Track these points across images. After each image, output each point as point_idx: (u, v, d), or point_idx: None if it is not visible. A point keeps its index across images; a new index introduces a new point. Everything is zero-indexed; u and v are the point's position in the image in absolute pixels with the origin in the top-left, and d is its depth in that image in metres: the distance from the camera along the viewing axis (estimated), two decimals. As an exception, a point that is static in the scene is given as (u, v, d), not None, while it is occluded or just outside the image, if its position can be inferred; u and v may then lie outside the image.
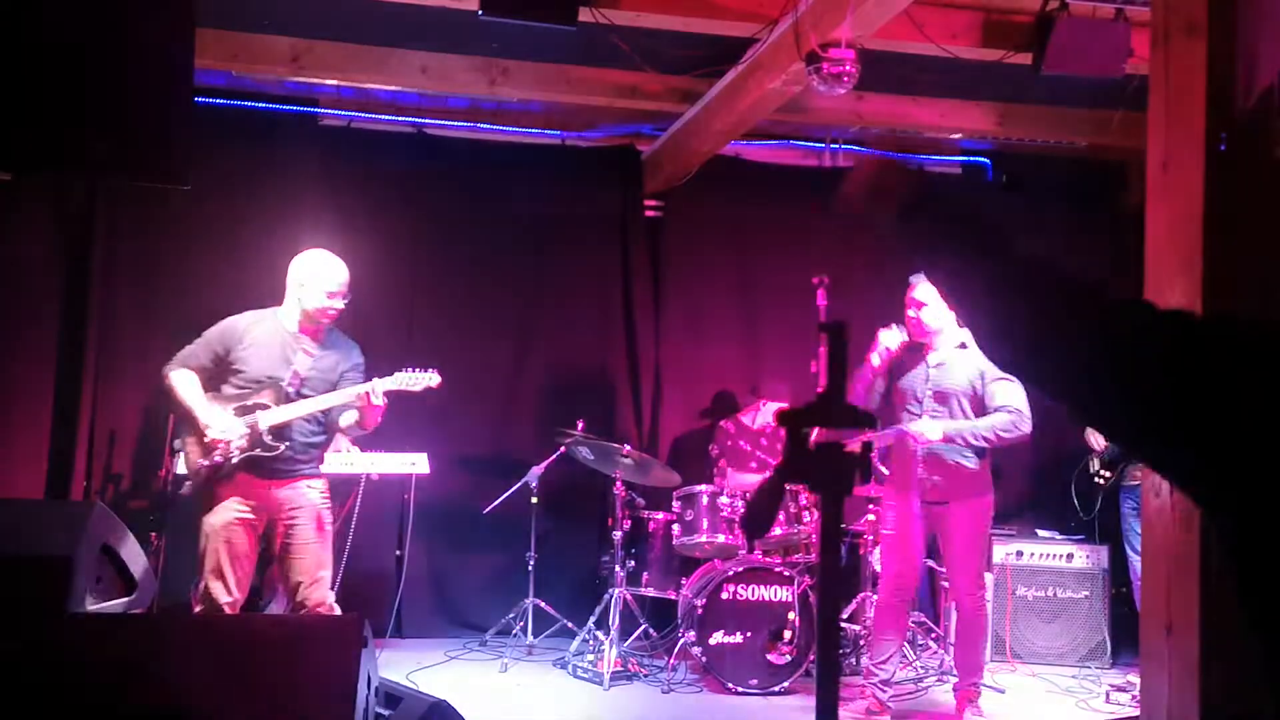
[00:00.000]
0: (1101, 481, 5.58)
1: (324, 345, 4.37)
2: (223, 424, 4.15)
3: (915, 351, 4.60)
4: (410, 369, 4.42)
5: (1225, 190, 2.48)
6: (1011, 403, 4.40)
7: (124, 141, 3.35)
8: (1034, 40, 4.46)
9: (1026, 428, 4.42)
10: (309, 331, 4.33)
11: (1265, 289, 2.52)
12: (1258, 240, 2.50)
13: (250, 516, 4.23)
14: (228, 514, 4.20)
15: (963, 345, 4.53)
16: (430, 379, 4.44)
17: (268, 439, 4.21)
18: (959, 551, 4.57)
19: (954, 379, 4.51)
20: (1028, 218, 6.78)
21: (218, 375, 4.24)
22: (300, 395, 4.27)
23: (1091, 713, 4.99)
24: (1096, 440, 5.63)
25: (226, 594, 4.20)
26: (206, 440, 4.15)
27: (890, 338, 4.53)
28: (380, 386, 4.27)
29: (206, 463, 4.16)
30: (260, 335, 4.26)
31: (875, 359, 4.56)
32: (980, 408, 4.48)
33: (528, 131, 6.41)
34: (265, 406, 4.24)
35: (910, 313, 4.54)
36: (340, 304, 4.33)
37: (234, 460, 4.17)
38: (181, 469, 4.99)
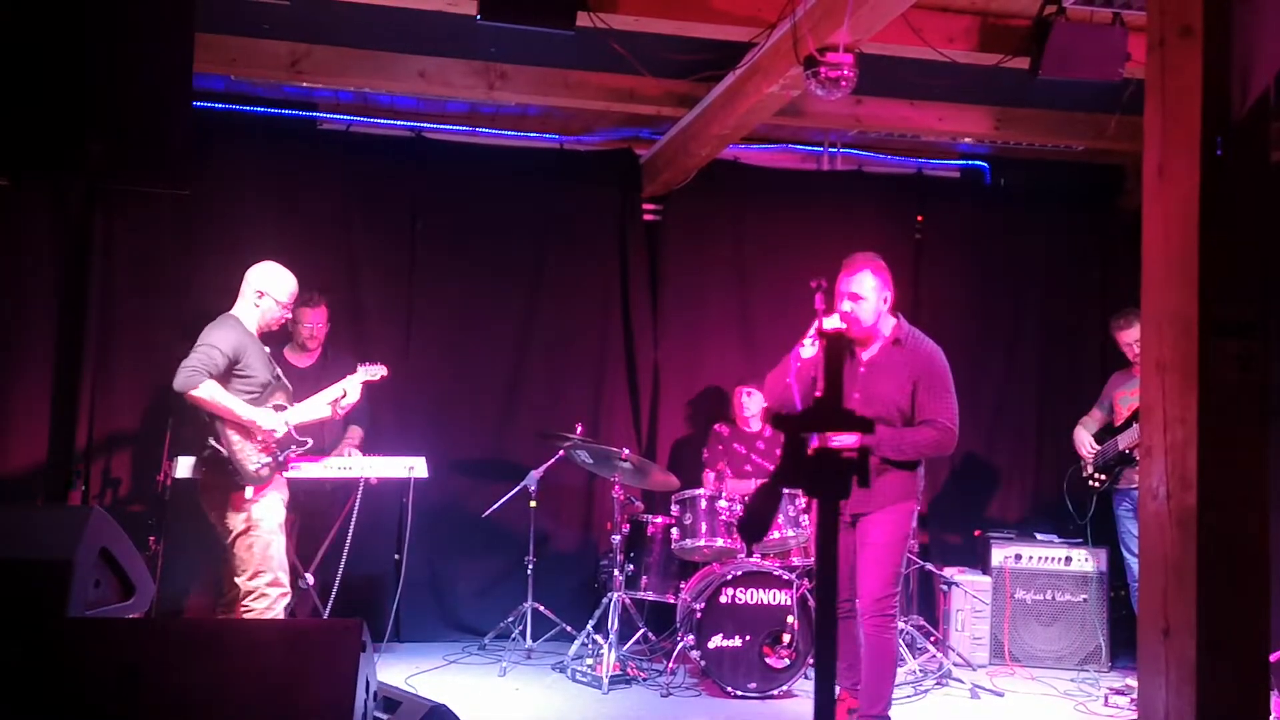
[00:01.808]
0: (1096, 485, 5.58)
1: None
2: (272, 424, 4.42)
3: (844, 348, 4.09)
4: (364, 364, 4.94)
5: (1221, 194, 2.48)
6: (941, 419, 4.01)
7: (123, 146, 3.36)
8: (1031, 45, 4.47)
9: (950, 448, 4.09)
10: (261, 338, 4.62)
11: (1261, 293, 2.53)
12: (1254, 244, 2.51)
13: (286, 511, 4.51)
14: (280, 511, 4.45)
15: (897, 341, 4.10)
16: (380, 370, 4.98)
17: (297, 436, 4.52)
18: (868, 560, 4.04)
19: (885, 382, 4.06)
20: (1026, 221, 6.83)
21: (220, 381, 4.38)
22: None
23: (1090, 716, 4.99)
24: (1085, 446, 5.62)
25: (288, 576, 4.43)
26: (260, 441, 4.37)
27: (832, 323, 3.99)
28: (360, 380, 4.84)
29: (267, 462, 4.38)
30: (251, 342, 4.49)
31: (809, 348, 4.01)
32: (910, 414, 4.06)
33: (526, 135, 6.42)
34: (283, 407, 4.51)
35: (845, 306, 4.08)
36: (289, 315, 4.69)
37: (280, 458, 4.44)
38: (182, 473, 5.01)
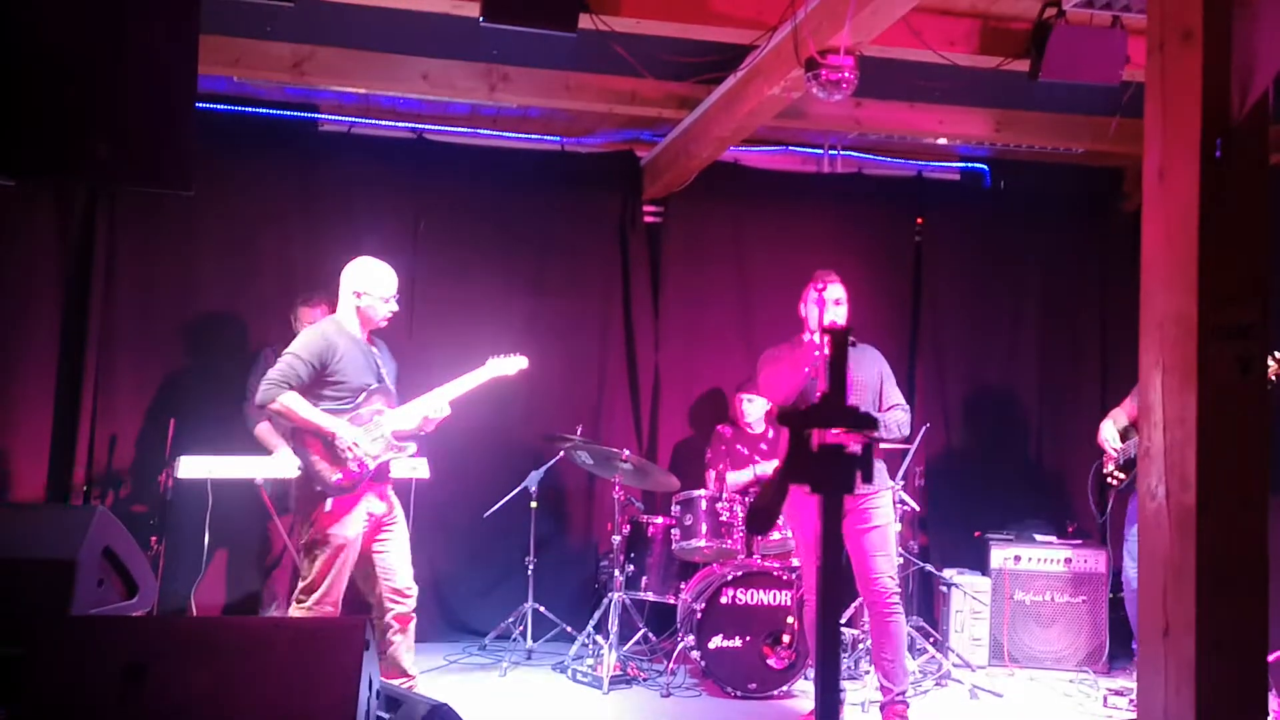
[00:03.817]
0: (1114, 483, 5.53)
1: (379, 349, 4.55)
2: (353, 435, 4.25)
3: (804, 349, 4.49)
4: (500, 355, 4.79)
5: (1221, 196, 2.50)
6: (903, 401, 4.58)
7: (127, 147, 3.36)
8: (1031, 47, 4.49)
9: (910, 425, 4.62)
10: (368, 338, 4.49)
11: (1261, 295, 2.54)
12: (1253, 246, 2.52)
13: (369, 526, 4.36)
14: (359, 525, 4.30)
15: (854, 342, 4.52)
16: (519, 361, 4.82)
17: (396, 442, 4.38)
18: (872, 544, 4.45)
19: (860, 373, 4.53)
20: (1025, 224, 6.84)
21: (308, 390, 4.26)
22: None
23: (1089, 716, 5.01)
24: (1111, 442, 5.54)
25: (339, 604, 4.31)
26: (341, 452, 4.21)
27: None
28: (486, 375, 4.68)
29: (342, 476, 4.22)
30: (345, 346, 4.35)
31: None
32: (878, 404, 4.55)
33: (527, 137, 6.44)
34: (380, 412, 4.38)
35: (832, 310, 4.52)
36: (395, 308, 4.48)
37: (370, 469, 4.28)
38: (185, 473, 5.01)
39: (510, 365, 4.79)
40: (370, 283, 4.40)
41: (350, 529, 4.26)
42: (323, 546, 4.22)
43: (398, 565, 4.46)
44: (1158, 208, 2.64)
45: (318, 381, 4.26)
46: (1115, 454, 5.47)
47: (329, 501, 4.20)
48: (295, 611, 4.30)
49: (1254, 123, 2.50)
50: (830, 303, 4.52)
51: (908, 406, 4.59)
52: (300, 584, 4.29)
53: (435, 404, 4.47)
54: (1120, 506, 5.59)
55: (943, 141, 6.44)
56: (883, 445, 4.73)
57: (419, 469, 5.24)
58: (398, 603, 4.44)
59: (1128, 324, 5.45)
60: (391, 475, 4.53)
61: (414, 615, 4.53)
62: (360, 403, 4.34)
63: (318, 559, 4.22)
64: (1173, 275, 2.57)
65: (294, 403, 4.18)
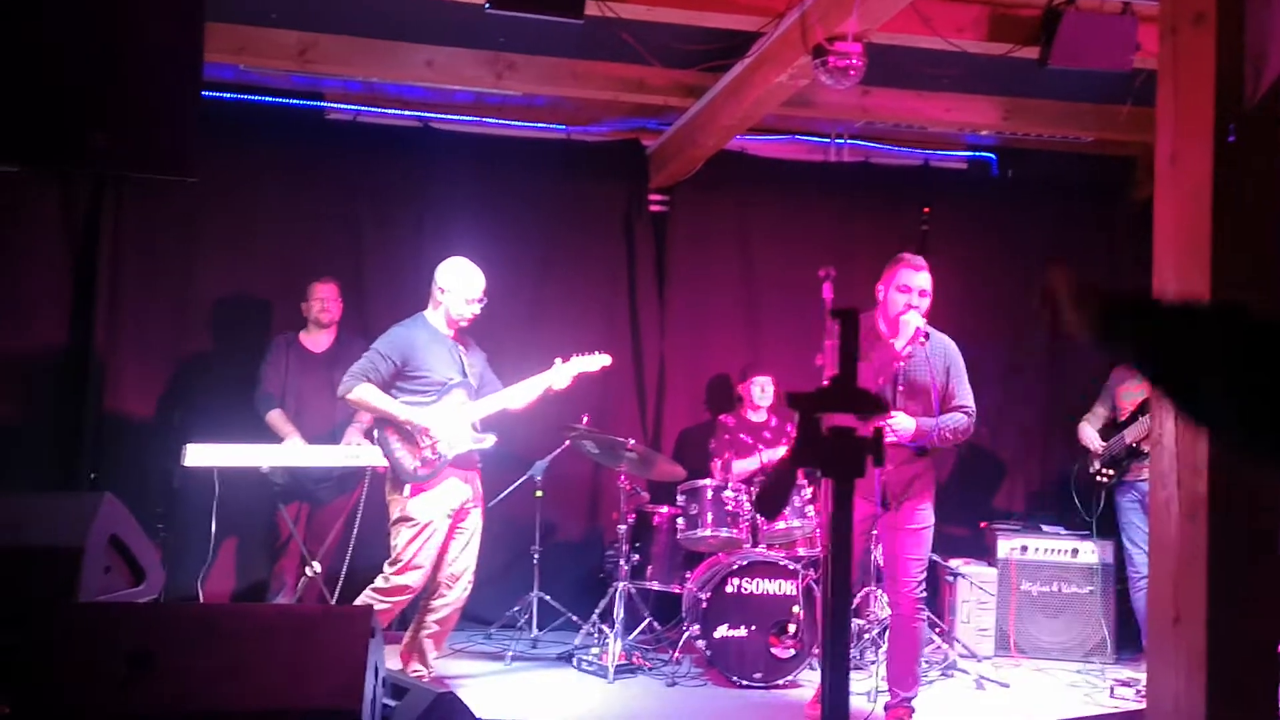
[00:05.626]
0: (1105, 479, 5.56)
1: (466, 346, 4.73)
2: (431, 424, 4.46)
3: (878, 341, 4.31)
4: (580, 353, 4.89)
5: (1234, 181, 2.48)
6: (967, 403, 4.32)
7: (132, 134, 3.36)
8: (1041, 34, 4.46)
9: (972, 430, 4.37)
10: (455, 335, 4.68)
11: (1273, 280, 2.52)
12: (1266, 231, 2.50)
13: (456, 507, 4.57)
14: (445, 505, 4.52)
15: (927, 335, 4.24)
16: (603, 359, 4.92)
17: (477, 433, 4.61)
18: (911, 544, 4.34)
19: (923, 372, 4.25)
20: (1033, 213, 6.80)
21: (390, 384, 4.50)
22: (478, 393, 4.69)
23: (1097, 707, 4.99)
24: (1094, 441, 5.60)
25: (422, 581, 4.53)
26: (422, 441, 4.44)
27: (915, 321, 4.25)
28: (575, 371, 4.80)
29: (420, 464, 4.45)
30: (430, 343, 4.57)
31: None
32: (943, 402, 4.29)
33: (533, 126, 6.41)
34: (462, 404, 4.58)
35: (916, 300, 4.27)
36: (479, 309, 4.67)
37: (448, 458, 4.49)
38: (191, 461, 5.02)
39: (593, 363, 4.90)
40: (454, 281, 4.61)
41: (434, 509, 4.47)
42: (407, 524, 4.44)
43: (460, 553, 4.63)
44: (1170, 192, 2.62)
45: (400, 375, 4.48)
46: (1100, 451, 5.51)
47: (407, 486, 4.43)
48: (377, 582, 4.50)
49: (1267, 106, 2.47)
50: (913, 290, 4.27)
51: (973, 409, 4.32)
52: (385, 566, 4.52)
53: (503, 403, 4.68)
54: (1113, 499, 5.59)
55: (985, 132, 6.38)
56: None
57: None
58: (450, 588, 4.60)
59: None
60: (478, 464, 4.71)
61: (458, 610, 4.69)
62: (442, 396, 4.52)
63: (402, 535, 4.45)
64: (1184, 260, 2.55)
65: (368, 394, 4.43)
